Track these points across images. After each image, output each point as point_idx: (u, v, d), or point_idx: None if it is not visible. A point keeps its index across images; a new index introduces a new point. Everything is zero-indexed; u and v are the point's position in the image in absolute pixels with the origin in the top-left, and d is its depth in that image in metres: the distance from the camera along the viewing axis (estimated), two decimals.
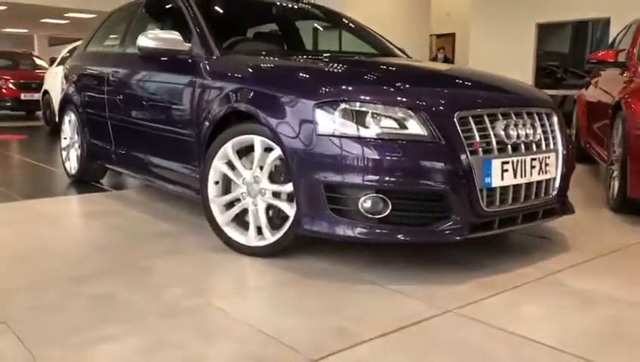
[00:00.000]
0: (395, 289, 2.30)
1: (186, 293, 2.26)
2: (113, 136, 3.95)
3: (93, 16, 15.27)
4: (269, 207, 2.65)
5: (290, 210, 2.55)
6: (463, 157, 2.37)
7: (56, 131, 5.99)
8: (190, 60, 3.16)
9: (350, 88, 2.51)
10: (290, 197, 2.57)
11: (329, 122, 2.39)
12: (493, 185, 2.45)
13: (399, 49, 4.03)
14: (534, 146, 2.64)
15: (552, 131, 2.78)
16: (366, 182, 2.33)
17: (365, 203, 2.36)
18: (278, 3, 4.19)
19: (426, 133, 2.36)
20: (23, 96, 11.20)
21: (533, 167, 2.60)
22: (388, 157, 2.33)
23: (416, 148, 2.36)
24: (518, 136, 2.56)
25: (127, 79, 3.76)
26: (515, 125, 2.56)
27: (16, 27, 22.19)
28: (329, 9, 4.37)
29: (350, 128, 2.37)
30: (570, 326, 2.00)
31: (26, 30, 23.35)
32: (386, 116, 2.38)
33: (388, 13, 11.37)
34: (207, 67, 3.05)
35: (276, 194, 2.62)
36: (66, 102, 4.66)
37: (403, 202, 2.37)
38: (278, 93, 2.59)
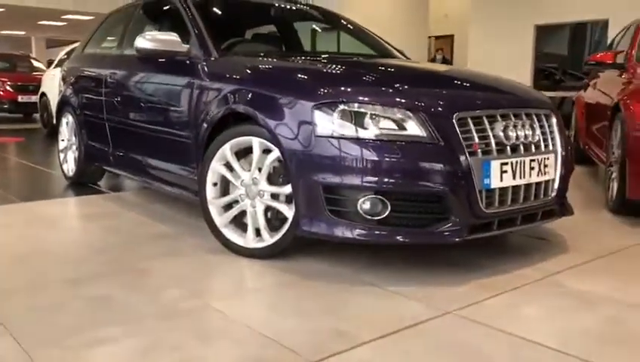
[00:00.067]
0: (395, 290, 2.30)
1: (184, 295, 2.25)
2: (111, 138, 3.94)
3: (91, 18, 15.29)
4: (268, 208, 2.65)
5: (288, 211, 2.54)
6: (462, 158, 2.36)
7: (53, 133, 5.98)
8: (188, 62, 3.15)
9: (349, 89, 2.50)
10: (288, 199, 2.56)
11: (328, 123, 2.39)
12: (492, 187, 2.45)
13: (398, 50, 4.03)
14: (533, 147, 2.64)
15: (551, 132, 2.77)
16: (365, 184, 2.33)
17: (364, 204, 2.35)
18: (277, 4, 4.18)
19: (424, 134, 2.36)
20: (20, 99, 11.17)
21: (532, 168, 2.60)
22: (387, 159, 2.32)
23: (415, 149, 2.35)
24: (517, 138, 2.56)
25: (125, 81, 3.75)
26: (514, 126, 2.56)
27: (13, 29, 22.18)
28: (327, 10, 4.37)
29: (349, 129, 2.36)
30: (570, 328, 1.99)
31: (23, 32, 23.35)
32: (385, 117, 2.38)
33: (386, 15, 11.38)
34: (205, 68, 3.04)
35: (275, 196, 2.61)
36: (63, 104, 4.65)
37: (402, 203, 2.37)
38: (276, 95, 2.59)
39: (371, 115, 2.38)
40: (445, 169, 2.34)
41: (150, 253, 2.79)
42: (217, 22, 3.65)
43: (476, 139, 2.43)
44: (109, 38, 4.49)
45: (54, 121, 5.08)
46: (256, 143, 2.63)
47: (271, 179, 2.62)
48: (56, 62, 9.42)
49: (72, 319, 2.02)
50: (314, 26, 4.80)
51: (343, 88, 2.51)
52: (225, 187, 2.79)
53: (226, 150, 2.72)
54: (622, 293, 2.30)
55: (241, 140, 2.69)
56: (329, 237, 2.43)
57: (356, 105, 2.40)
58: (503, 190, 2.50)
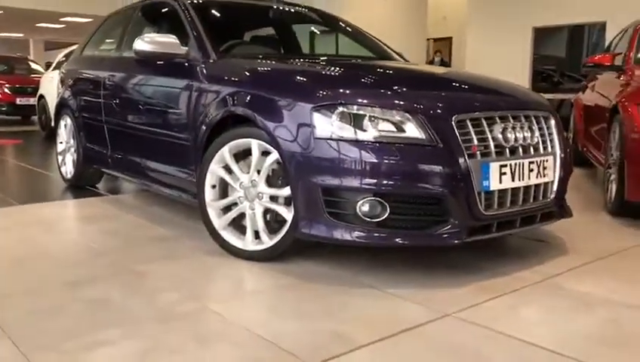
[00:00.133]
0: (394, 293, 2.29)
1: (183, 298, 2.25)
2: (109, 140, 3.94)
3: (89, 20, 15.27)
4: (267, 210, 2.64)
5: (287, 213, 2.54)
6: (460, 160, 2.36)
7: (51, 136, 5.97)
8: (187, 64, 3.15)
9: (348, 91, 2.50)
10: (287, 201, 2.56)
11: (327, 125, 2.38)
12: (492, 189, 2.45)
13: (396, 52, 4.04)
14: (532, 149, 2.64)
15: (550, 134, 2.77)
16: (364, 186, 2.33)
17: (363, 206, 2.35)
18: (275, 6, 4.18)
19: (423, 137, 2.36)
20: (18, 101, 11.16)
21: (531, 170, 2.60)
22: (386, 161, 2.32)
23: (413, 151, 2.35)
24: (516, 140, 2.56)
25: (124, 83, 3.75)
26: (513, 128, 2.56)
27: (11, 31, 22.17)
28: (326, 13, 4.37)
29: (348, 131, 2.36)
30: (569, 330, 1.99)
31: (21, 34, 23.33)
32: (384, 119, 2.38)
33: (385, 18, 11.40)
34: (204, 71, 3.04)
35: (274, 198, 2.61)
36: (62, 107, 4.64)
37: (401, 206, 2.37)
38: (275, 97, 2.59)
39: (370, 117, 2.38)
40: (444, 171, 2.34)
41: (149, 255, 2.78)
42: (216, 24, 3.65)
43: (475, 142, 2.43)
44: (107, 40, 4.49)
45: (52, 124, 5.07)
46: (255, 145, 2.62)
47: (270, 182, 2.62)
48: (54, 64, 9.41)
49: (71, 322, 2.01)
50: (312, 28, 4.80)
51: (341, 90, 2.51)
52: (224, 189, 2.79)
53: (225, 152, 2.71)
54: (621, 295, 2.30)
55: (240, 142, 2.69)
56: (328, 240, 2.42)
57: (355, 107, 2.40)
58: (501, 192, 2.50)
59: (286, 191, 2.53)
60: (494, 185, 2.45)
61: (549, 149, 2.74)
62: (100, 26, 4.68)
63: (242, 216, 2.71)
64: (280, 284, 2.41)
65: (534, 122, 2.69)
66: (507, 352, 1.81)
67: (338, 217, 2.39)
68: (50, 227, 3.41)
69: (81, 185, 4.51)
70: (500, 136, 2.51)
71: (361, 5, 11.22)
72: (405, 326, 1.98)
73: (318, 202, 2.39)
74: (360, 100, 2.42)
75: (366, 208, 2.35)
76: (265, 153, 2.61)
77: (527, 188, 2.60)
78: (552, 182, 2.75)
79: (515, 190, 2.55)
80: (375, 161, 2.32)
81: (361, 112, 2.38)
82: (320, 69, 3.03)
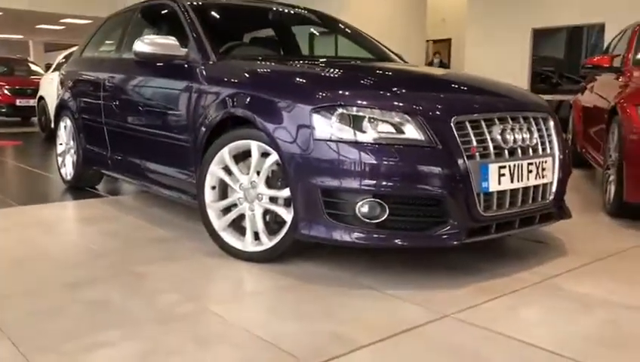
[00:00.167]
0: (393, 294, 2.30)
1: (182, 299, 2.25)
2: (109, 141, 3.94)
3: (89, 21, 15.28)
4: (266, 212, 2.65)
5: (287, 215, 2.54)
6: (460, 161, 2.37)
7: (51, 137, 5.97)
8: (186, 65, 3.15)
9: (347, 93, 2.51)
10: (287, 202, 2.56)
11: (326, 127, 2.39)
12: (491, 190, 2.45)
13: (395, 54, 4.04)
14: (531, 151, 2.65)
15: (549, 136, 2.78)
16: (363, 187, 2.33)
17: (362, 208, 2.35)
18: (275, 8, 4.19)
19: (422, 138, 2.36)
20: (18, 102, 11.17)
21: (530, 171, 2.60)
22: (385, 162, 2.32)
23: (413, 152, 2.36)
24: (515, 141, 2.56)
25: (124, 85, 3.76)
26: (512, 130, 2.57)
27: (11, 33, 22.18)
28: (325, 14, 4.38)
29: (347, 133, 2.37)
30: (568, 330, 1.99)
31: (21, 36, 23.34)
32: (383, 121, 2.38)
33: (384, 19, 11.40)
34: (204, 72, 3.05)
35: (273, 199, 2.61)
36: (61, 108, 4.65)
37: (400, 207, 2.37)
38: (274, 98, 2.59)
39: (369, 118, 2.38)
40: (443, 172, 2.34)
41: (148, 256, 2.79)
42: (215, 26, 3.66)
43: (474, 143, 2.44)
44: (107, 41, 4.50)
45: (52, 125, 5.07)
46: (255, 147, 2.63)
47: (269, 183, 2.63)
48: (54, 65, 9.42)
49: (71, 323, 2.01)
50: (312, 29, 4.80)
51: (341, 92, 2.51)
52: (223, 190, 2.79)
53: (225, 153, 2.72)
54: (620, 296, 2.30)
55: (240, 144, 2.69)
56: (327, 241, 2.43)
57: (354, 108, 2.40)
58: (501, 193, 2.51)
59: (285, 192, 2.54)
60: (493, 186, 2.46)
61: (548, 150, 2.74)
62: (99, 28, 4.69)
63: (242, 217, 2.71)
64: (279, 285, 2.41)
65: (533, 123, 2.70)
66: (506, 353, 1.82)
67: (337, 218, 2.39)
68: (50, 228, 3.41)
69: (80, 187, 4.52)
70: (498, 137, 2.51)
71: (360, 6, 11.23)
72: (405, 327, 1.98)
73: (318, 203, 2.40)
74: (359, 102, 2.43)
75: (365, 209, 2.35)
76: (264, 154, 2.61)
77: (526, 189, 2.61)
78: (551, 183, 2.75)
79: (514, 191, 2.55)
80: (374, 162, 2.32)
81: (360, 114, 2.39)
82: (319, 70, 3.04)
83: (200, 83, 3.02)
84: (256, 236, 2.67)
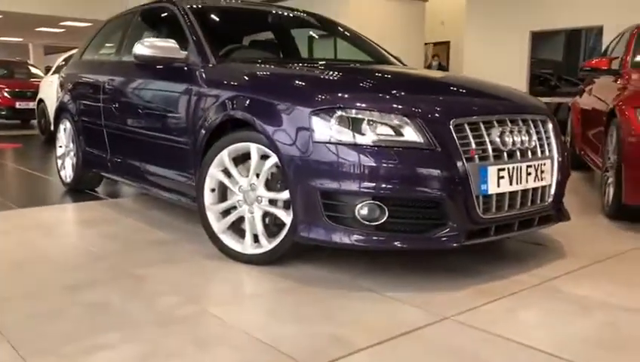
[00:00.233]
0: (392, 296, 2.30)
1: (182, 301, 2.25)
2: (109, 144, 3.94)
3: (89, 24, 15.29)
4: (266, 214, 2.65)
5: (286, 217, 2.55)
6: (459, 164, 2.37)
7: (51, 140, 5.98)
8: (186, 68, 3.16)
9: (346, 95, 2.51)
10: (286, 205, 2.57)
11: (325, 129, 2.39)
12: (490, 192, 2.46)
13: (394, 57, 4.05)
14: (530, 153, 2.65)
15: (548, 138, 2.79)
16: (362, 189, 2.34)
17: (362, 210, 2.36)
18: (274, 11, 4.20)
19: (422, 140, 2.37)
20: (18, 105, 11.18)
21: (528, 173, 2.61)
22: (384, 164, 2.33)
23: (412, 155, 2.36)
24: (514, 143, 2.57)
25: (123, 87, 3.76)
26: (511, 132, 2.57)
27: (11, 36, 22.19)
28: (324, 17, 4.39)
29: (346, 135, 2.37)
30: (567, 333, 2.00)
31: (21, 39, 23.34)
32: (382, 123, 2.39)
33: (383, 22, 11.42)
34: (204, 75, 3.05)
35: (273, 202, 2.62)
36: (61, 111, 4.65)
37: (399, 209, 2.37)
38: (274, 101, 2.60)
39: (369, 120, 2.39)
40: (442, 175, 2.35)
41: (148, 259, 2.79)
42: (215, 29, 3.67)
43: (473, 145, 2.45)
44: (107, 44, 4.50)
45: (52, 128, 5.08)
46: (254, 149, 2.63)
47: (269, 185, 2.63)
48: (54, 68, 9.43)
49: (70, 326, 2.02)
50: (311, 32, 4.81)
51: (340, 94, 2.52)
52: (223, 193, 2.79)
53: (224, 156, 2.72)
54: (618, 298, 2.31)
55: (239, 146, 2.70)
56: (327, 243, 2.43)
57: (354, 111, 2.41)
58: (500, 196, 2.51)
59: (285, 194, 2.54)
60: (492, 188, 2.46)
61: (547, 153, 2.75)
62: (99, 31, 4.70)
63: (241, 219, 2.72)
64: (279, 288, 2.41)
65: (532, 126, 2.70)
66: (505, 355, 1.82)
67: (337, 220, 2.40)
68: (50, 231, 3.42)
69: (80, 189, 4.52)
70: (497, 139, 2.52)
71: (359, 10, 11.25)
72: (404, 330, 1.98)
73: (317, 205, 2.40)
74: (358, 104, 2.44)
75: (365, 211, 2.36)
76: (264, 157, 2.62)
77: (525, 191, 2.61)
78: (550, 185, 2.76)
79: (513, 193, 2.56)
80: (373, 164, 2.33)
81: (359, 116, 2.39)
82: (319, 73, 3.04)
83: (200, 86, 3.03)
84: (256, 238, 2.67)
